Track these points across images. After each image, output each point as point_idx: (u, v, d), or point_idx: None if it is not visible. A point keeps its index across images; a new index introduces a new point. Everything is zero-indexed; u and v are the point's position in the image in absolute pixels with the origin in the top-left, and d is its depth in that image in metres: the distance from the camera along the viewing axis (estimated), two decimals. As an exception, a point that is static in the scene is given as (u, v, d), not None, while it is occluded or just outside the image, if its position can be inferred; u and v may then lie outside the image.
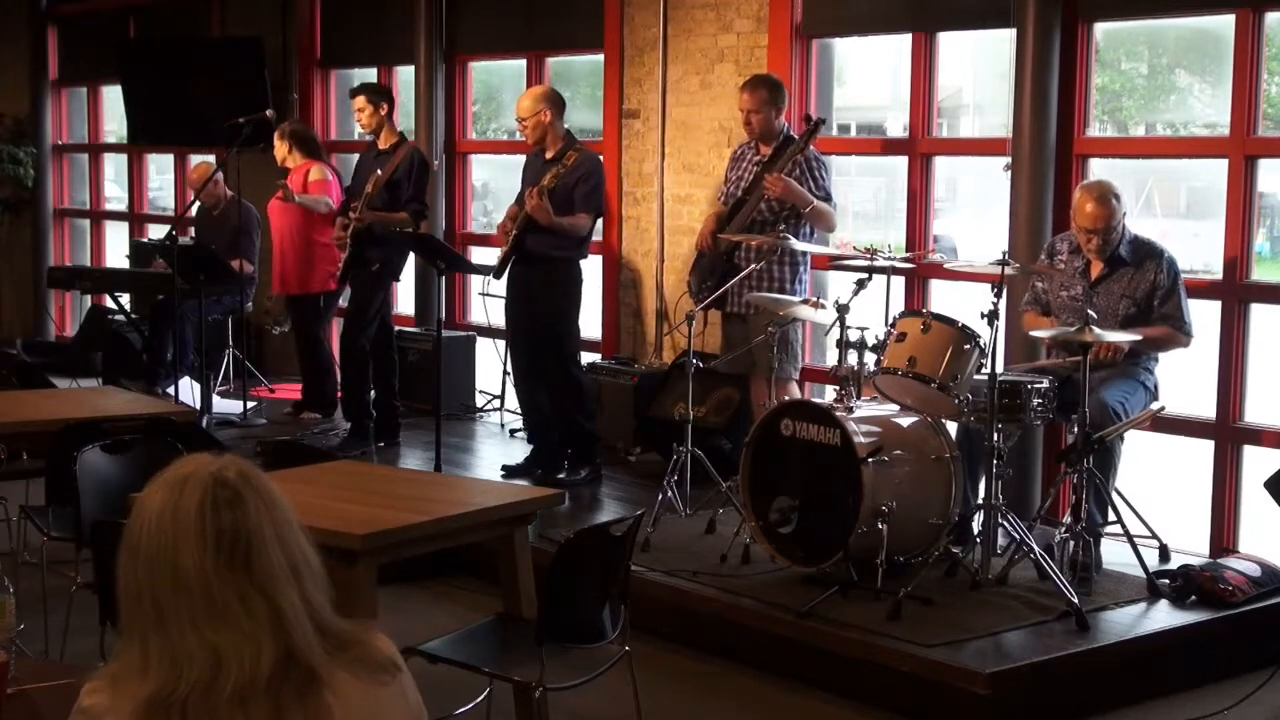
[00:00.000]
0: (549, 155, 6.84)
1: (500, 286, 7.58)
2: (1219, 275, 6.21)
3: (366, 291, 7.71)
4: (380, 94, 7.81)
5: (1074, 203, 5.85)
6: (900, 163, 7.25)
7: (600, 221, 7.18)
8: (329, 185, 8.25)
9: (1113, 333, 5.46)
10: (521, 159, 8.87)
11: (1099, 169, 6.32)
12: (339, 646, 2.03)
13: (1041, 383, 5.44)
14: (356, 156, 8.41)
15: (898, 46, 7.33)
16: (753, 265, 6.45)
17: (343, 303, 8.35)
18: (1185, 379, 6.57)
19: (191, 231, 9.89)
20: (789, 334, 6.46)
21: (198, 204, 9.39)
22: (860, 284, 5.66)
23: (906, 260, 6.34)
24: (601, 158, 7.33)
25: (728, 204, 6.80)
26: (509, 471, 7.03)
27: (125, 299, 10.15)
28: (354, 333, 7.73)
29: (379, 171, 7.57)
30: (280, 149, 8.37)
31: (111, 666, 2.01)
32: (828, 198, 6.58)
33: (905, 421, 5.50)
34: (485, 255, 8.96)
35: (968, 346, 5.32)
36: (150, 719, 1.92)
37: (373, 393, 7.84)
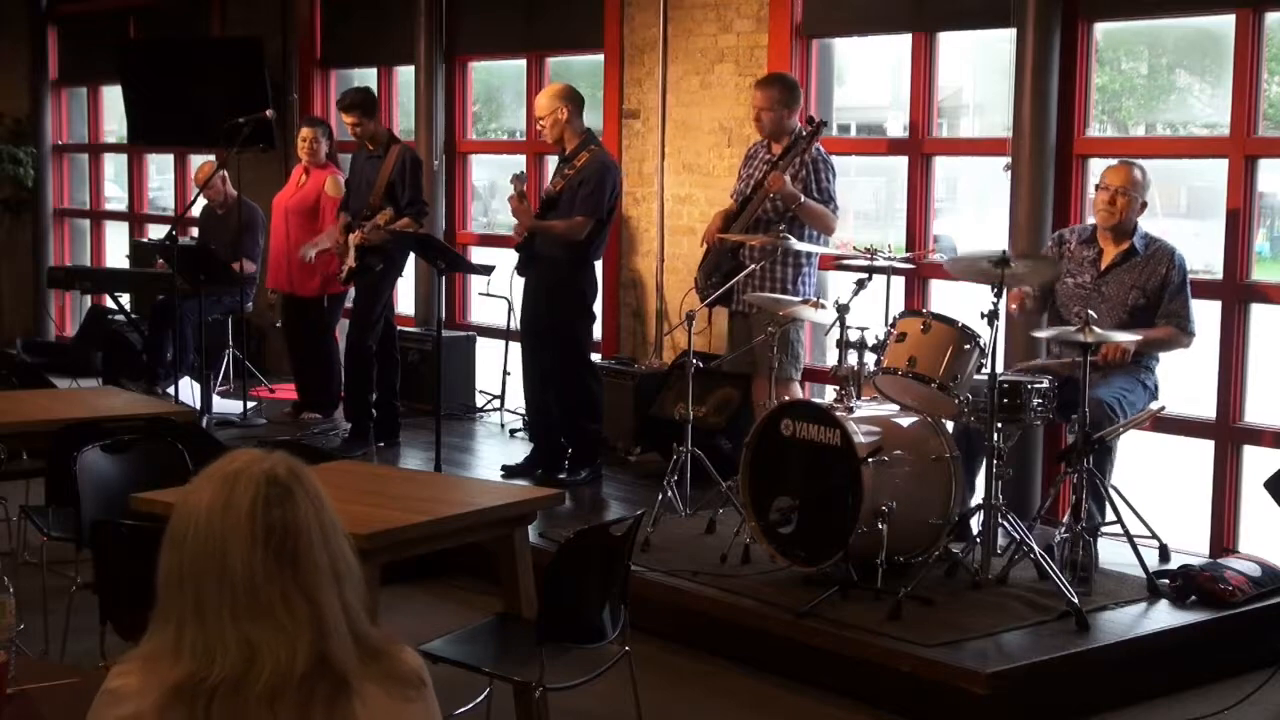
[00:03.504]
0: (565, 154, 6.85)
1: (510, 287, 7.58)
2: (1219, 275, 6.21)
3: (371, 293, 7.71)
4: (371, 105, 7.76)
5: (1099, 177, 5.87)
6: (900, 163, 7.25)
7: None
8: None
9: (1115, 333, 5.46)
10: (522, 159, 8.88)
11: (1099, 169, 6.30)
12: (370, 656, 2.03)
13: (1041, 383, 5.44)
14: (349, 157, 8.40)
15: (898, 46, 7.32)
16: (754, 264, 6.46)
17: (347, 303, 8.36)
18: (1185, 379, 6.57)
19: (194, 231, 9.90)
20: (789, 334, 6.46)
21: (204, 203, 9.40)
22: (860, 284, 5.66)
23: (906, 260, 6.34)
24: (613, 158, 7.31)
25: (738, 201, 6.81)
26: (509, 471, 7.03)
27: (125, 299, 10.16)
28: (360, 334, 7.72)
29: (376, 187, 7.55)
30: (308, 134, 8.35)
31: (143, 650, 2.01)
32: (828, 200, 6.57)
33: (905, 421, 5.50)
34: (485, 255, 8.96)
35: (968, 346, 5.32)
36: (177, 705, 1.92)
37: (373, 393, 7.84)
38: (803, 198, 6.48)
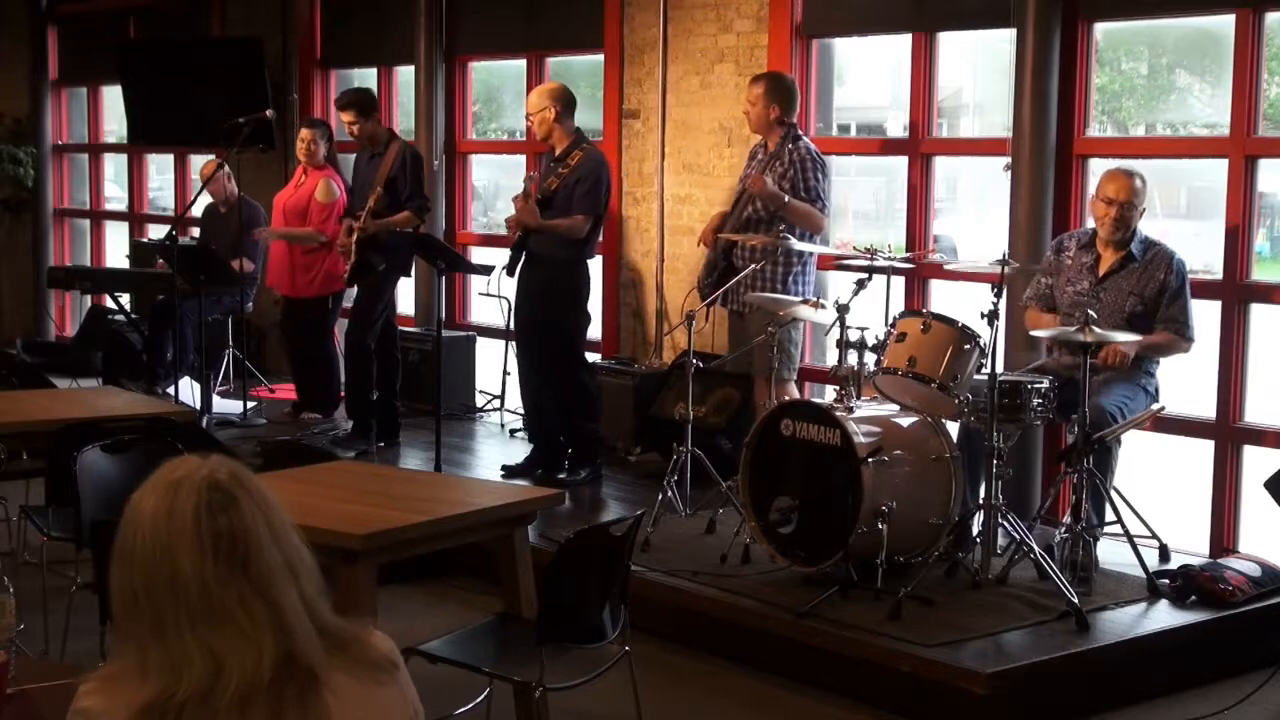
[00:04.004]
0: (557, 153, 6.86)
1: (499, 286, 7.57)
2: (1219, 275, 6.21)
3: (372, 292, 7.71)
4: (369, 104, 7.76)
5: (1098, 183, 5.86)
6: (900, 163, 7.25)
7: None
8: (332, 210, 8.21)
9: (1116, 333, 5.46)
10: (522, 159, 8.88)
11: (1099, 169, 6.31)
12: (338, 646, 2.03)
13: (1041, 383, 5.44)
14: (352, 157, 8.40)
15: (898, 46, 7.32)
16: (752, 265, 6.46)
17: (347, 303, 8.36)
18: (1185, 379, 6.57)
19: (194, 231, 9.90)
20: (782, 335, 6.45)
21: (206, 202, 9.40)
22: (860, 284, 5.66)
23: (906, 260, 6.34)
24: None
25: (733, 201, 6.82)
26: (509, 471, 7.03)
27: (125, 299, 10.16)
28: (359, 333, 7.72)
29: (376, 183, 7.56)
30: (307, 135, 8.34)
31: (106, 668, 2.00)
32: (816, 199, 6.57)
33: (905, 421, 5.50)
34: (485, 255, 8.96)
35: (968, 346, 5.32)
36: None
37: (374, 393, 7.84)
38: (788, 199, 6.48)
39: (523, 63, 9.01)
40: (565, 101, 6.84)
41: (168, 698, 1.91)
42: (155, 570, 1.94)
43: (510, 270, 6.98)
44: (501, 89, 10.10)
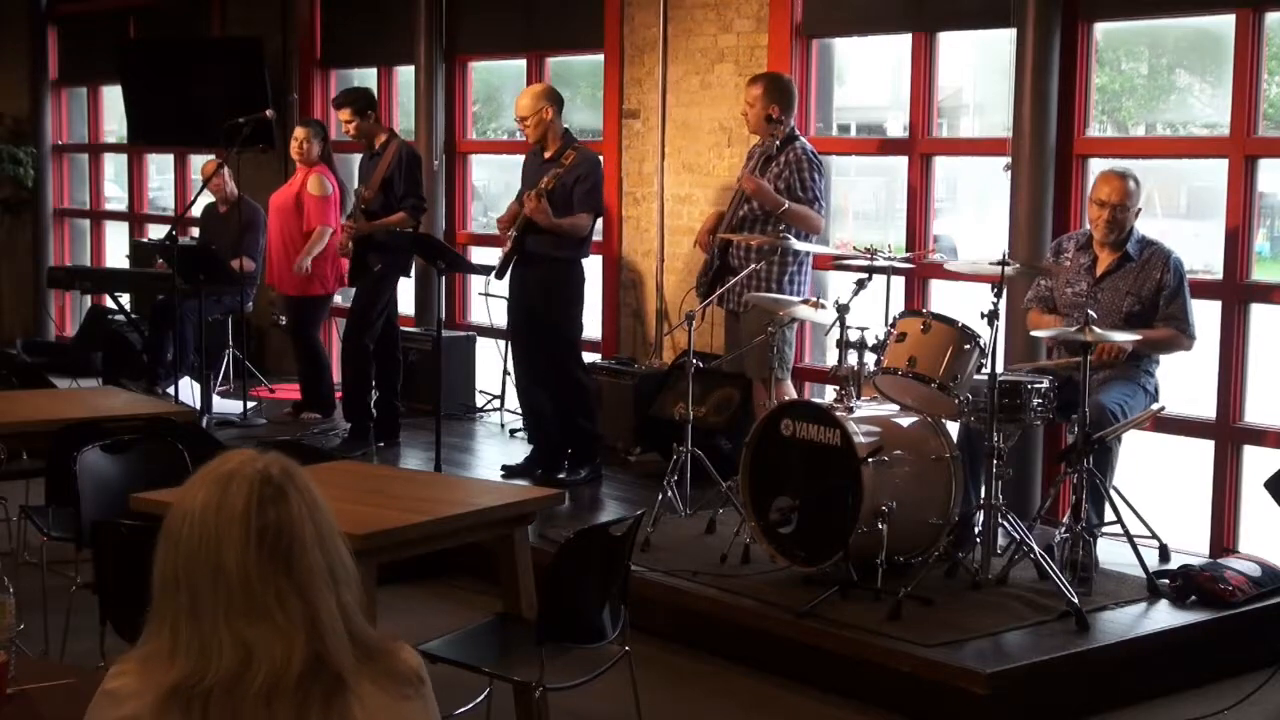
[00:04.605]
0: (548, 154, 6.83)
1: (501, 286, 7.58)
2: (1219, 275, 6.21)
3: (370, 292, 7.71)
4: (365, 103, 7.75)
5: (1092, 185, 5.86)
6: (900, 163, 7.25)
7: (600, 221, 7.18)
8: (328, 203, 8.22)
9: (1116, 333, 5.46)
10: (522, 159, 8.88)
11: (1099, 169, 6.31)
12: (368, 655, 2.04)
13: (1041, 383, 5.44)
14: (356, 158, 8.41)
15: (898, 46, 7.32)
16: (751, 265, 6.45)
17: (346, 303, 8.36)
18: (1185, 379, 6.57)
19: (194, 231, 9.90)
20: (777, 335, 6.44)
21: (205, 202, 9.40)
22: (860, 284, 5.66)
23: (906, 260, 6.34)
24: (600, 156, 7.33)
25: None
26: (509, 471, 7.03)
27: (125, 299, 10.16)
28: (357, 332, 7.71)
29: (372, 183, 7.56)
30: (301, 134, 8.34)
31: (140, 650, 2.02)
32: (813, 200, 6.56)
33: (905, 421, 5.50)
34: (485, 255, 8.96)
35: (968, 346, 5.32)
36: (174, 705, 1.93)
37: (375, 393, 7.84)
38: (786, 204, 6.47)
39: (523, 63, 9.01)
40: (558, 102, 6.84)
41: (196, 681, 1.94)
42: (201, 557, 1.98)
43: (500, 274, 6.97)
44: (501, 89, 10.10)
